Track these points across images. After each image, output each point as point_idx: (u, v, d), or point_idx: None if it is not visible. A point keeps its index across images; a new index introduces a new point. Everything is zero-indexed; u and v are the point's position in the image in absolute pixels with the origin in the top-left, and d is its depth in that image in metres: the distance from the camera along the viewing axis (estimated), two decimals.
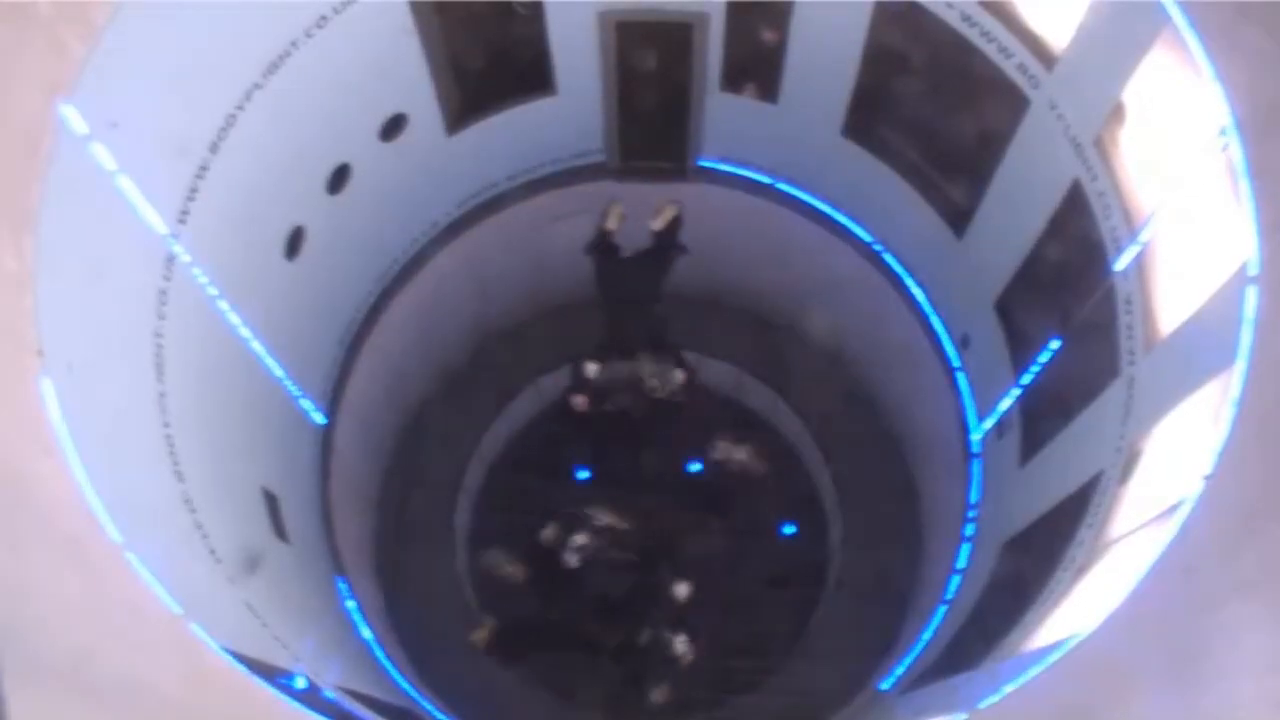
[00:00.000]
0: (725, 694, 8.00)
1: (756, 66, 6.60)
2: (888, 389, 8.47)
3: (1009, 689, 3.77)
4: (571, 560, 7.05)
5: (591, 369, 7.35)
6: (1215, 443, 3.54)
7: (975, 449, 7.07)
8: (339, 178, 5.91)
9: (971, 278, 6.56)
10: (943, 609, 6.86)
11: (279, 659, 4.49)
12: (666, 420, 7.56)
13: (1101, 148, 4.94)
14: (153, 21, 3.91)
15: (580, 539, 7.04)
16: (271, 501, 5.73)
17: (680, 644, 6.94)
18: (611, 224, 7.21)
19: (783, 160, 7.34)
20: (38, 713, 2.72)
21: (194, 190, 4.58)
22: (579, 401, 7.40)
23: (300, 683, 4.48)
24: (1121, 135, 4.84)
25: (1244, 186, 3.69)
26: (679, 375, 7.36)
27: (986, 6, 5.21)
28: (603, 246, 7.39)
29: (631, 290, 7.62)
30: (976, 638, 5.63)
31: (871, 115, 6.53)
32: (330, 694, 4.78)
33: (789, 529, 8.83)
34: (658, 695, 7.15)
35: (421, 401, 8.58)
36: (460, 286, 7.79)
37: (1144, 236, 4.73)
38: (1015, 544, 6.15)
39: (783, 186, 7.49)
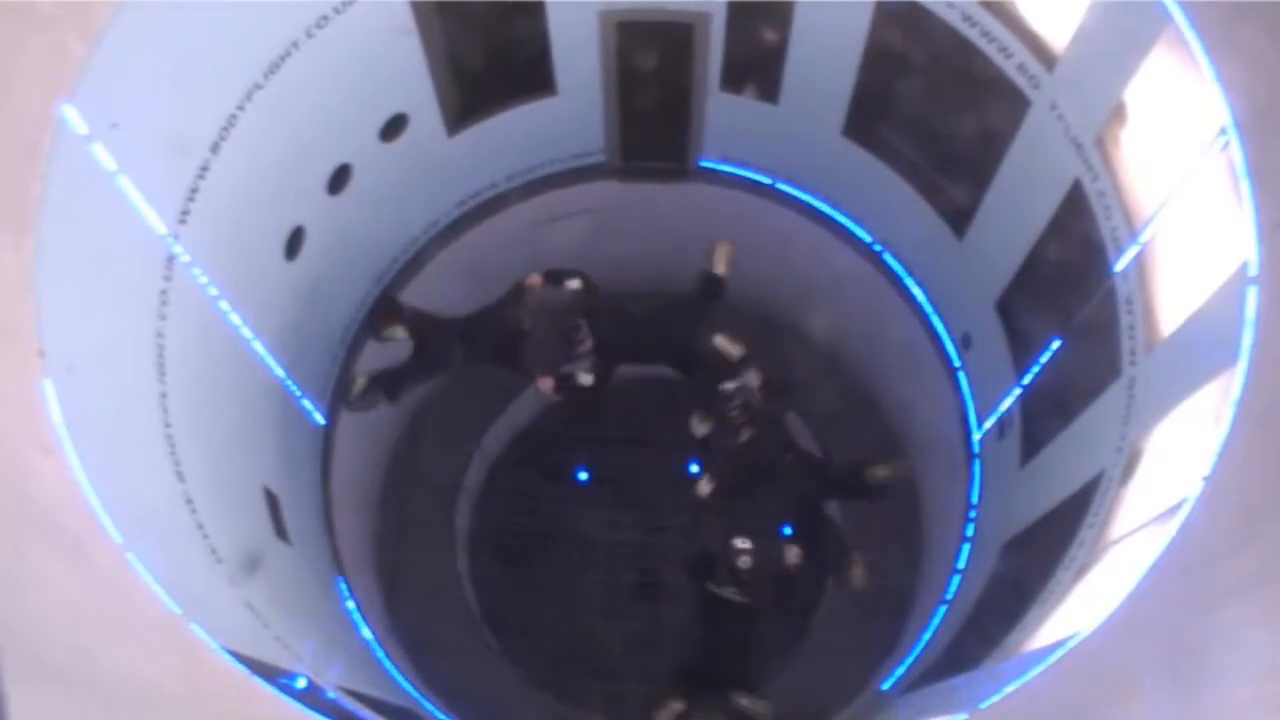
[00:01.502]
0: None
1: (757, 66, 6.60)
2: (888, 389, 8.47)
3: (1009, 689, 3.77)
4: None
5: (574, 284, 6.76)
6: (1215, 443, 3.54)
7: (976, 449, 7.07)
8: (339, 178, 5.91)
9: (972, 278, 6.56)
10: (943, 609, 6.85)
11: (279, 659, 4.49)
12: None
13: (1102, 148, 4.94)
14: (153, 21, 3.90)
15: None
16: (272, 501, 5.73)
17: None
18: (721, 269, 6.94)
19: (783, 160, 7.33)
20: (38, 712, 2.72)
21: (194, 190, 4.58)
22: (533, 279, 6.77)
23: (301, 683, 4.48)
24: (1122, 135, 4.84)
25: (1244, 186, 3.68)
26: (584, 376, 6.89)
27: (987, 6, 5.21)
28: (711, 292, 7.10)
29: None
30: (977, 638, 5.63)
31: (872, 115, 6.53)
32: (331, 694, 4.78)
33: (789, 529, 8.82)
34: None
35: (421, 401, 8.58)
36: (460, 286, 7.78)
37: (1144, 236, 4.73)
38: (1015, 544, 6.15)
39: (783, 186, 7.49)
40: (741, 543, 6.59)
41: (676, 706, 7.19)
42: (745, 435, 6.77)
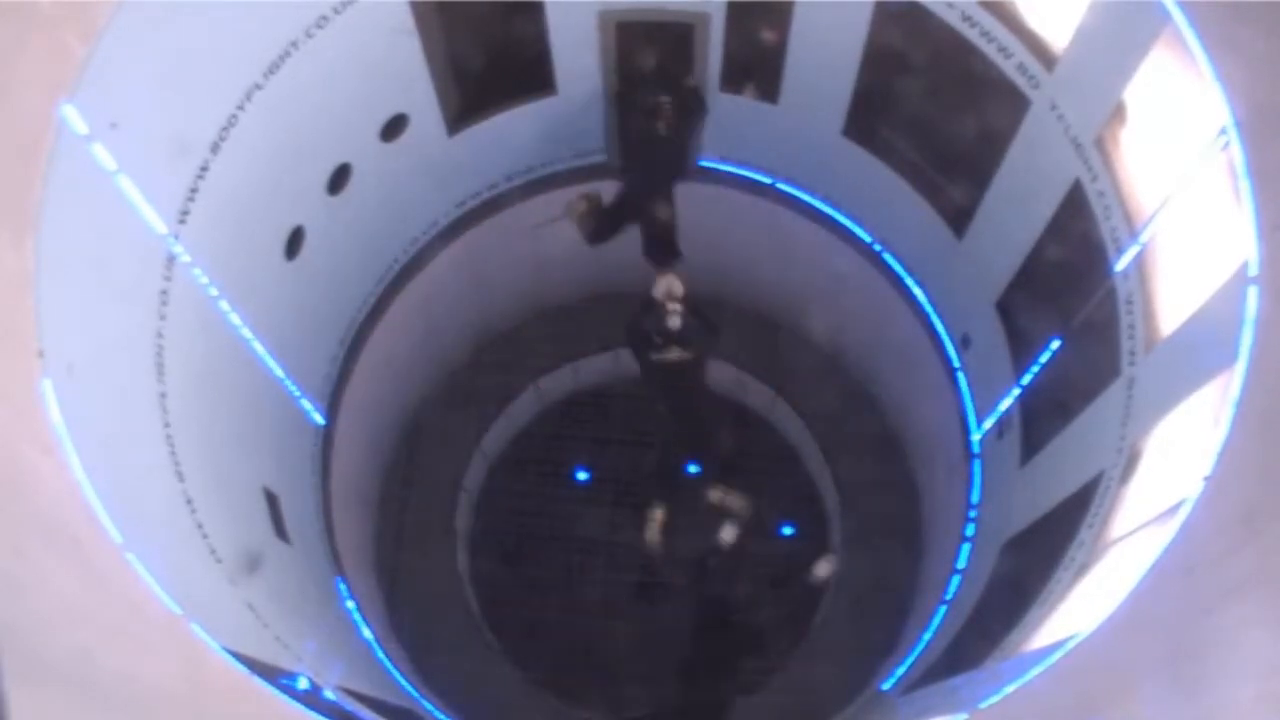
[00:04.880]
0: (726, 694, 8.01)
1: (757, 66, 6.60)
2: (888, 389, 8.47)
3: (1010, 689, 3.77)
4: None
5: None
6: (1215, 443, 3.54)
7: (976, 449, 7.07)
8: (339, 178, 5.91)
9: (972, 278, 6.56)
10: (943, 609, 6.86)
11: (280, 659, 4.49)
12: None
13: (1102, 148, 4.94)
14: (153, 21, 3.91)
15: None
16: (272, 501, 5.73)
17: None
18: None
19: (783, 160, 7.33)
20: (38, 712, 2.72)
21: (194, 190, 4.58)
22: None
23: (301, 683, 4.48)
24: (1122, 135, 4.84)
25: (1244, 186, 3.69)
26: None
27: (986, 6, 5.21)
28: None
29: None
30: (977, 638, 5.63)
31: (872, 115, 6.53)
32: (331, 694, 4.78)
33: (789, 529, 8.83)
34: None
35: (421, 401, 8.59)
36: (460, 286, 7.78)
37: (1144, 237, 4.73)
38: (1015, 544, 6.15)
39: (783, 186, 7.49)
40: (674, 305, 6.59)
41: (659, 514, 7.14)
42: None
